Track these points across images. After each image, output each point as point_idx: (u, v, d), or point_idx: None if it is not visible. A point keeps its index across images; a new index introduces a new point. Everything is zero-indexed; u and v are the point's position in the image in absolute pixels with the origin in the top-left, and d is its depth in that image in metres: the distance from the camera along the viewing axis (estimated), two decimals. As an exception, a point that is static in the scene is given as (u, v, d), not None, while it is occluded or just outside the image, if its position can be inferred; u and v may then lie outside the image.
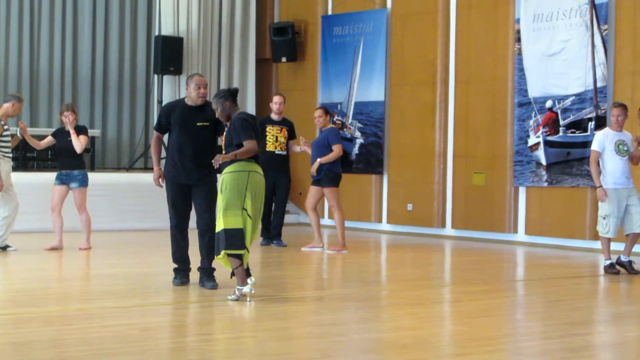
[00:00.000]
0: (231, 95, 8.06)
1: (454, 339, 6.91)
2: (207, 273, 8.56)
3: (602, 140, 10.24)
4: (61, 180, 11.44)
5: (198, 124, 8.53)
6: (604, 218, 10.22)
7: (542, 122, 13.02)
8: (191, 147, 8.52)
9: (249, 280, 7.84)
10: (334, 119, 15.39)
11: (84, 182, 11.45)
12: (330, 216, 15.80)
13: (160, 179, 8.73)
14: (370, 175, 15.27)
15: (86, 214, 11.52)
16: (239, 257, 7.80)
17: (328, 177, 11.83)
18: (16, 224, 11.52)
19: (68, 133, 11.39)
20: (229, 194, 7.79)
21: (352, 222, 15.27)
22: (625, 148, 10.23)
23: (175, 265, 8.81)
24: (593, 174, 10.36)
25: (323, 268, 10.98)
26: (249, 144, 7.82)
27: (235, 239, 7.72)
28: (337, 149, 11.77)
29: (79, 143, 11.32)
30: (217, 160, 7.83)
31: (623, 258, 10.28)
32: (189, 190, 8.58)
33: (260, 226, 8.15)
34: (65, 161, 11.45)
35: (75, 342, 6.33)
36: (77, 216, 11.62)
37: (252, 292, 7.85)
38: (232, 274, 7.90)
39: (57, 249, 11.41)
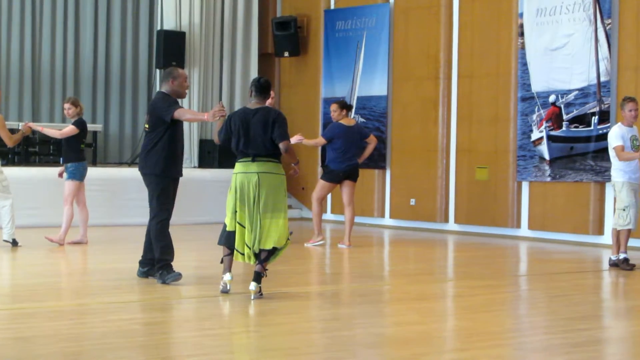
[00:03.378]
0: (254, 85, 8.03)
1: (456, 333, 6.90)
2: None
3: (622, 135, 10.09)
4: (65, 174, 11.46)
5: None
6: (624, 210, 10.10)
7: (545, 116, 13.00)
8: (182, 140, 8.78)
9: (251, 286, 7.77)
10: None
11: (72, 175, 11.31)
12: (333, 211, 15.81)
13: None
14: (373, 170, 15.25)
15: (68, 207, 11.34)
16: (230, 248, 7.93)
17: (324, 170, 12.23)
18: (18, 219, 11.49)
19: (32, 125, 11.45)
20: (228, 195, 8.00)
21: (355, 217, 15.23)
22: (638, 143, 10.18)
23: (170, 259, 8.69)
24: (630, 158, 10.03)
25: (326, 263, 10.97)
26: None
27: (222, 235, 8.01)
28: (316, 139, 12.33)
29: (54, 133, 11.33)
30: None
31: (613, 257, 10.25)
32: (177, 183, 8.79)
33: (271, 228, 7.79)
34: (63, 153, 11.49)
35: (77, 336, 6.32)
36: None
37: (252, 298, 7.77)
38: (221, 260, 8.07)
39: (81, 243, 11.45)
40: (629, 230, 10.18)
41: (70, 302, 7.85)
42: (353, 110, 15.44)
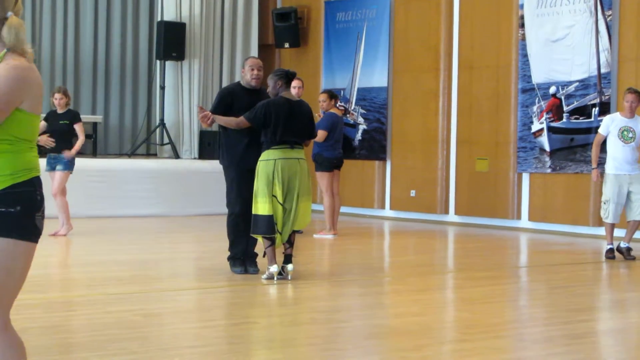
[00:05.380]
0: (286, 76, 8.27)
1: (456, 325, 6.90)
2: (250, 257, 8.62)
3: (608, 125, 10.28)
4: (51, 165, 11.38)
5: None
6: (604, 203, 10.29)
7: (546, 108, 12.99)
8: (256, 131, 8.34)
9: (289, 267, 8.17)
10: (337, 105, 15.30)
11: (68, 166, 11.31)
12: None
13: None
14: (373, 162, 15.25)
15: (62, 198, 11.31)
16: (270, 238, 8.07)
17: (317, 161, 12.01)
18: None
19: (59, 116, 11.35)
20: (259, 182, 8.07)
21: (355, 208, 15.28)
22: (631, 135, 10.18)
23: (232, 254, 8.62)
24: (592, 154, 10.55)
25: (326, 254, 10.97)
26: (239, 119, 8.24)
27: (260, 224, 8.04)
28: (319, 134, 11.55)
29: (81, 140, 11.27)
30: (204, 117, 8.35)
31: (622, 244, 10.30)
32: (253, 175, 8.32)
33: (305, 210, 8.20)
34: (55, 144, 11.38)
35: (78, 328, 6.33)
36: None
37: (289, 277, 8.19)
38: (264, 254, 8.19)
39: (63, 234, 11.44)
40: (612, 223, 10.28)
41: (69, 293, 7.86)
42: (353, 101, 15.46)
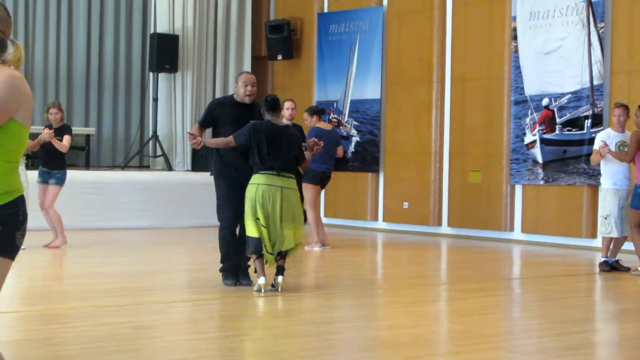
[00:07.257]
0: (265, 102, 8.25)
1: (449, 337, 6.89)
2: (243, 270, 8.59)
3: (602, 139, 10.20)
4: (43, 178, 11.39)
5: (252, 121, 8.38)
6: (606, 218, 10.20)
7: (539, 120, 13.01)
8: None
9: (279, 279, 8.17)
10: (329, 117, 15.32)
11: (61, 180, 11.37)
12: (326, 214, 15.77)
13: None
14: (366, 174, 15.24)
15: (54, 211, 11.35)
16: (258, 253, 8.11)
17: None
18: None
19: (54, 131, 11.32)
20: (245, 204, 8.11)
21: (348, 220, 15.27)
22: (626, 149, 10.17)
23: (223, 267, 8.58)
24: (594, 160, 10.33)
25: (319, 266, 10.96)
26: (227, 139, 8.25)
27: (250, 244, 8.08)
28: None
29: (62, 147, 11.22)
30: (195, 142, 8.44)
31: (610, 260, 10.28)
32: (243, 188, 8.28)
33: (294, 231, 8.18)
34: (48, 159, 11.36)
35: (69, 340, 6.30)
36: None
37: (279, 290, 8.20)
38: (255, 270, 8.26)
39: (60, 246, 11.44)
40: (613, 238, 10.24)
41: (61, 305, 7.82)
42: (346, 113, 15.46)
